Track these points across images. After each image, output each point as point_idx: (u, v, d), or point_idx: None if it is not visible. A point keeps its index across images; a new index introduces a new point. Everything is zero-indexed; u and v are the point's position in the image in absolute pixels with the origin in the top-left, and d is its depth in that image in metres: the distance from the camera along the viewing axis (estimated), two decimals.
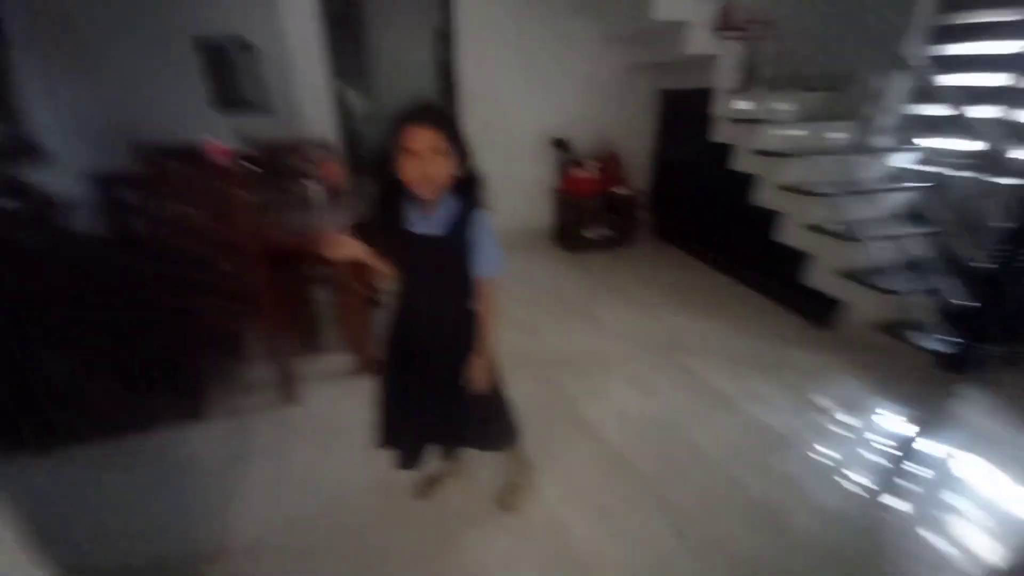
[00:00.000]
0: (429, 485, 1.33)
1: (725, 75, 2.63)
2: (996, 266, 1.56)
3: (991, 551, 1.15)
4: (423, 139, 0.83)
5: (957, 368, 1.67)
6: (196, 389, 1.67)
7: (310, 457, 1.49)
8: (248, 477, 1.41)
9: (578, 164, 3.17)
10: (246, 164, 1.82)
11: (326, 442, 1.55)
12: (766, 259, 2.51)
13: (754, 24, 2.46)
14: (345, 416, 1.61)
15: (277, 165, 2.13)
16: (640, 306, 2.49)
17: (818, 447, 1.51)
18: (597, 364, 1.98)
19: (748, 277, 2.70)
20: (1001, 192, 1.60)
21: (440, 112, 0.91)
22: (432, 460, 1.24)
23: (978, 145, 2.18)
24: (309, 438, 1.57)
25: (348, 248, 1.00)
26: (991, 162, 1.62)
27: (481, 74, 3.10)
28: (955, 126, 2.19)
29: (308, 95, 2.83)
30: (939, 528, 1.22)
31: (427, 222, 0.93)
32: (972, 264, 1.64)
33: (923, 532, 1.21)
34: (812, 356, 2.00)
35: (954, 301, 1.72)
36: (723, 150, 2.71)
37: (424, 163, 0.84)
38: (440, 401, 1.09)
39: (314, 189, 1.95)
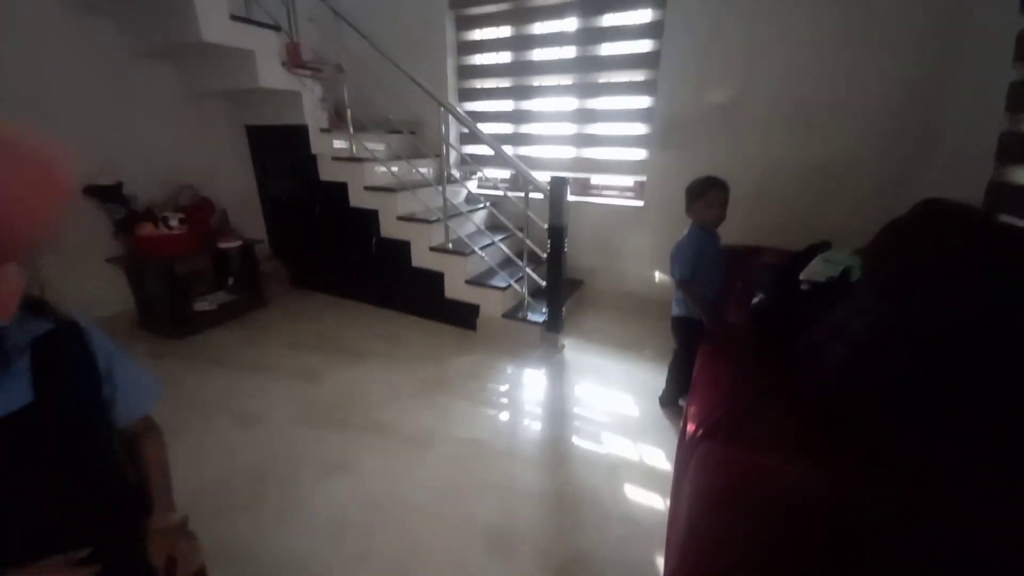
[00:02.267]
0: None
1: (312, 114, 2.56)
2: (547, 254, 2.25)
3: (619, 443, 1.63)
4: None
5: (554, 328, 2.32)
6: None
7: None
8: None
9: (147, 218, 2.30)
10: None
11: None
12: (412, 284, 2.66)
13: (324, 65, 2.48)
14: None
15: None
16: (299, 376, 2.08)
17: (502, 431, 1.70)
18: (275, 481, 1.47)
19: (403, 305, 2.79)
20: (534, 203, 2.31)
21: None
22: None
23: (508, 172, 3.13)
24: None
25: None
26: (520, 182, 2.30)
27: None
28: (493, 159, 3.04)
29: None
30: (592, 436, 1.63)
31: None
32: (542, 254, 2.30)
33: (582, 442, 1.60)
34: (471, 358, 2.27)
35: (540, 282, 2.36)
36: (338, 189, 2.67)
37: None
38: None
39: None
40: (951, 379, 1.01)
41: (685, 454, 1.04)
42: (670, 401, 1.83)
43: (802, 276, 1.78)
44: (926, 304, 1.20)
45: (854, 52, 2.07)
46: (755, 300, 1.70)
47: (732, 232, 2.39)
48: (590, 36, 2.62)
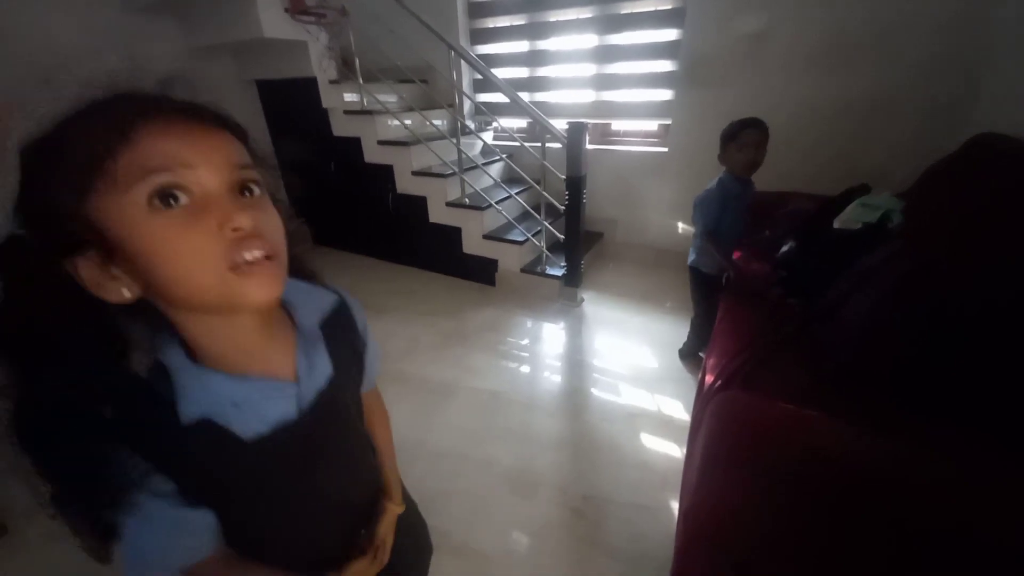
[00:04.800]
0: None
1: (320, 64, 2.47)
2: (565, 207, 2.19)
3: (637, 394, 1.65)
4: (212, 159, 0.35)
5: (573, 282, 2.30)
6: None
7: None
8: None
9: None
10: None
11: None
12: (430, 240, 2.66)
13: (327, 10, 2.36)
14: None
15: None
16: None
17: (521, 382, 1.75)
18: None
19: (422, 261, 2.81)
20: (551, 153, 2.22)
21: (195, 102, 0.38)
22: None
23: (525, 121, 2.99)
24: None
25: None
26: (536, 131, 2.21)
27: None
28: (508, 108, 2.91)
29: None
30: (610, 387, 1.67)
31: (276, 387, 0.42)
32: (560, 207, 2.24)
33: (600, 392, 1.65)
34: (490, 312, 2.30)
35: (558, 235, 2.32)
36: (352, 144, 2.62)
37: (252, 220, 0.36)
38: None
39: None
40: (984, 343, 0.96)
41: (702, 403, 1.05)
42: (690, 353, 1.83)
43: (837, 223, 1.68)
44: (962, 258, 1.12)
45: None
46: (783, 248, 1.63)
47: (762, 177, 2.25)
48: None
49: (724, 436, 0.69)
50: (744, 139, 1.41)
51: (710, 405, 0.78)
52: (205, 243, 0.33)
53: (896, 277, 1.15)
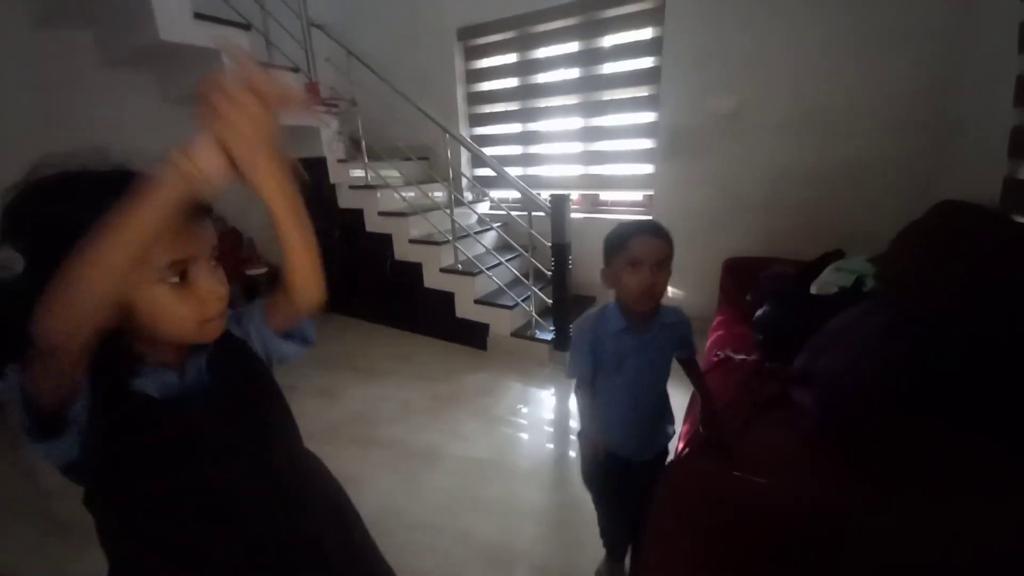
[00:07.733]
0: None
1: (330, 146, 2.72)
2: (552, 272, 2.27)
3: None
4: (204, 248, 0.54)
5: (562, 346, 2.32)
6: None
7: None
8: None
9: None
10: None
11: None
12: (425, 304, 2.74)
13: (339, 101, 2.65)
14: None
15: None
16: (317, 394, 2.16)
17: (507, 449, 1.71)
18: None
19: (417, 325, 2.87)
20: (539, 222, 2.35)
21: None
22: None
23: (517, 193, 3.19)
24: None
25: None
26: (528, 203, 2.36)
27: None
28: (501, 182, 3.12)
29: None
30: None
31: (161, 371, 0.54)
32: (547, 272, 2.32)
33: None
34: (481, 376, 2.30)
35: (548, 301, 2.38)
36: (355, 215, 2.81)
37: (224, 288, 0.55)
38: None
39: None
40: (957, 393, 0.96)
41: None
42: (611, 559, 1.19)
43: (814, 288, 1.71)
44: (940, 310, 1.14)
45: (860, 53, 2.03)
46: (759, 312, 1.65)
47: (741, 243, 2.35)
48: (592, 57, 2.68)
49: (670, 507, 0.67)
50: (635, 250, 0.88)
51: (663, 476, 0.77)
52: (192, 309, 0.49)
53: (875, 329, 1.16)
